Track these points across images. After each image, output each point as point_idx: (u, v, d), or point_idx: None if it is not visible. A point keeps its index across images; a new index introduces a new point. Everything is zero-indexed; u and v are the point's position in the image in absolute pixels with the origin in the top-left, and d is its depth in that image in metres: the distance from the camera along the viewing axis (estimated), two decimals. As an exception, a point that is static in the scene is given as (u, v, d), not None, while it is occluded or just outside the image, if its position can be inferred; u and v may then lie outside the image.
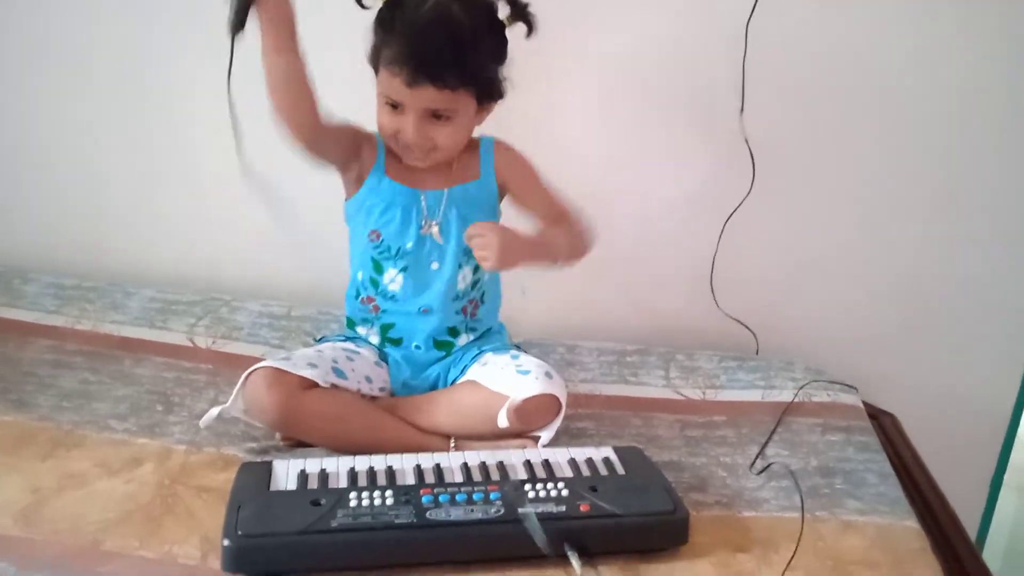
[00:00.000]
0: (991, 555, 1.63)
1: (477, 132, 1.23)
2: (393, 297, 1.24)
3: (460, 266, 1.24)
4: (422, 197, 1.21)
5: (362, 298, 1.26)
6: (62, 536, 0.96)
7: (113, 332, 1.43)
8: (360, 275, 1.26)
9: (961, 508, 1.24)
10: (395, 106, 1.13)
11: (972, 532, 1.58)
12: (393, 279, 1.23)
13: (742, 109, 1.44)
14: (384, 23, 1.12)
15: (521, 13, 1.15)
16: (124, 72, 1.58)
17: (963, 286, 1.57)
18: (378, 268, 1.24)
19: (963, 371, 1.60)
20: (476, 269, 1.26)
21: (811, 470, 1.17)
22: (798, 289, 1.58)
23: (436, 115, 1.13)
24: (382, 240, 1.22)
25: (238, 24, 1.04)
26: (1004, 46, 1.44)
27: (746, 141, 1.45)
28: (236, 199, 1.57)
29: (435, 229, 1.22)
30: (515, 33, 1.16)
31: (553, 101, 1.47)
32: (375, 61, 1.14)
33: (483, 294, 1.29)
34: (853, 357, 1.52)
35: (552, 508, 0.97)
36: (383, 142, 1.21)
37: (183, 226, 1.67)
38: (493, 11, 1.15)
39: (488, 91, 1.16)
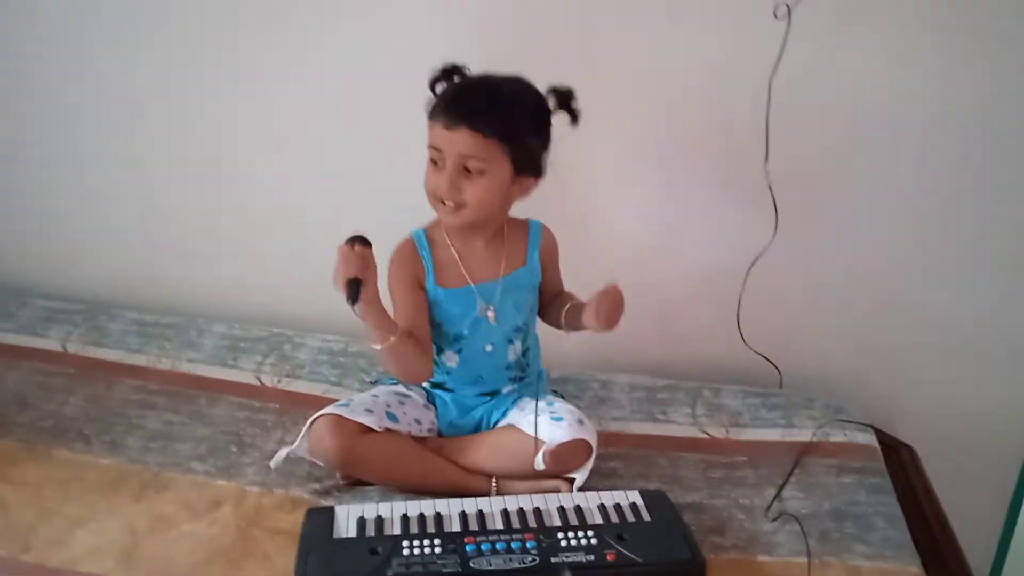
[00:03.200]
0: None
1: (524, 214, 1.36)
2: (449, 371, 1.37)
3: (511, 341, 1.36)
4: (475, 293, 1.32)
5: None
6: (158, 576, 1.11)
7: (189, 371, 1.59)
8: None
9: (977, 541, 1.33)
10: (436, 163, 1.24)
11: (986, 569, 1.67)
12: (450, 359, 1.36)
13: (766, 158, 1.52)
14: (439, 89, 1.26)
15: (565, 103, 1.27)
16: (181, 107, 1.72)
17: (982, 313, 1.63)
18: (438, 351, 1.36)
19: (981, 397, 1.67)
20: (524, 340, 1.38)
21: (823, 514, 1.27)
22: (820, 325, 1.66)
23: (468, 169, 1.23)
24: (442, 329, 1.34)
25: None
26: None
27: (770, 188, 1.53)
28: (296, 234, 1.73)
29: (491, 314, 1.33)
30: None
31: (582, 150, 1.56)
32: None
33: (530, 358, 1.41)
34: (872, 388, 1.61)
35: (582, 558, 1.09)
36: (425, 247, 1.31)
37: (243, 261, 1.81)
38: (539, 94, 1.26)
39: (525, 161, 1.26)
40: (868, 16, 1.46)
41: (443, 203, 1.26)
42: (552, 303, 1.40)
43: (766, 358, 1.62)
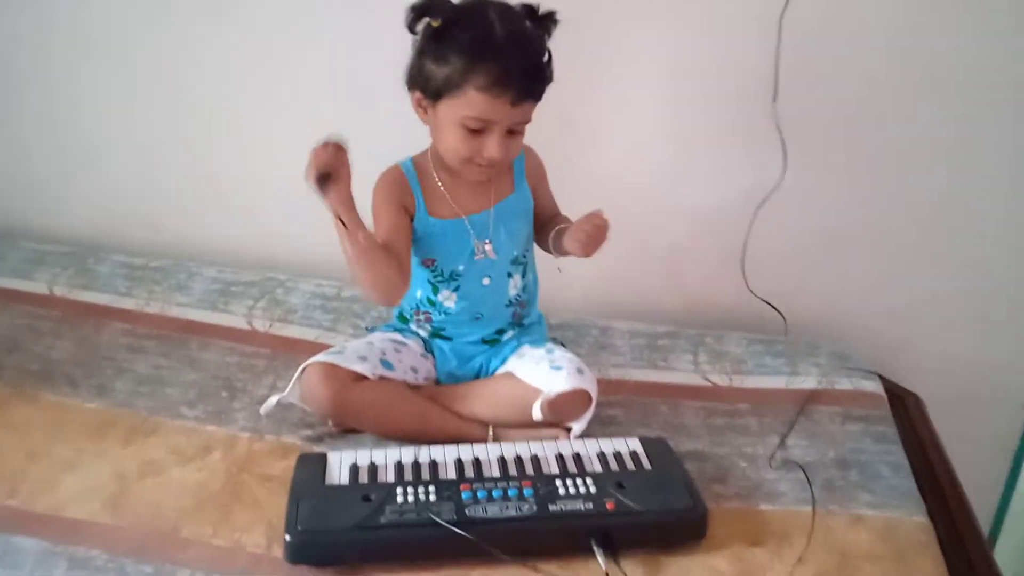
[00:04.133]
0: (1006, 545, 1.66)
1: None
2: (447, 312, 1.33)
3: (510, 275, 1.31)
4: (467, 223, 1.27)
5: (417, 311, 1.35)
6: (144, 523, 1.08)
7: (179, 315, 1.55)
8: (419, 293, 1.33)
9: (981, 492, 1.30)
10: (474, 130, 1.16)
11: (989, 518, 1.65)
12: (447, 298, 1.31)
13: (775, 98, 1.46)
14: (460, 51, 1.13)
15: (543, 22, 1.19)
16: (175, 50, 1.66)
17: (993, 262, 1.59)
18: (435, 290, 1.31)
19: (989, 348, 1.63)
20: (524, 274, 1.33)
21: (828, 462, 1.24)
22: (826, 270, 1.62)
23: (510, 130, 1.18)
24: (436, 265, 1.29)
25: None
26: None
27: (778, 128, 1.47)
28: (288, 178, 1.66)
29: (488, 247, 1.28)
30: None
31: (586, 92, 1.51)
32: (443, 89, 1.15)
33: (530, 294, 1.37)
34: (879, 336, 1.58)
35: (580, 506, 1.06)
36: (413, 176, 1.26)
37: (236, 203, 1.76)
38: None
39: None
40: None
41: (477, 164, 1.20)
42: (546, 226, 1.34)
43: (771, 304, 1.58)
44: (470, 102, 1.14)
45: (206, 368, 1.41)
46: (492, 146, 1.17)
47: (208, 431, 1.26)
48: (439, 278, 1.30)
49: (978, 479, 1.39)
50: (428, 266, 1.30)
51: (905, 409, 1.47)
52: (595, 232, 1.21)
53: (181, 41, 1.65)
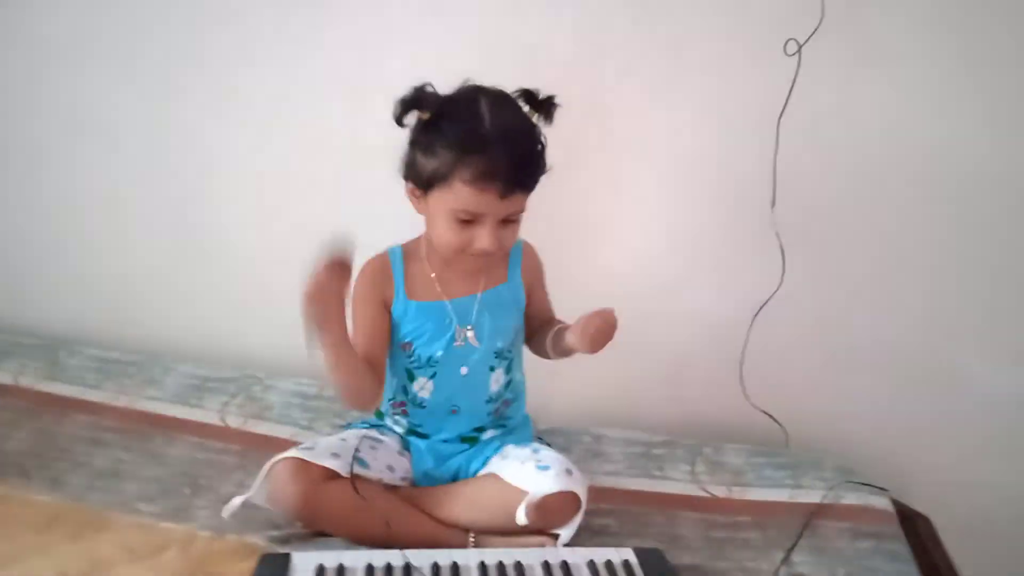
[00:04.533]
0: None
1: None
2: (422, 404, 1.26)
3: (492, 368, 1.25)
4: (449, 307, 1.23)
5: (393, 402, 1.28)
6: (83, 625, 0.98)
7: (149, 409, 1.47)
8: (395, 382, 1.27)
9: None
10: (466, 221, 1.13)
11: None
12: (423, 387, 1.25)
13: (773, 203, 1.44)
14: (447, 144, 1.10)
15: (542, 107, 1.16)
16: (154, 145, 1.65)
17: (1002, 381, 1.52)
18: (411, 377, 1.25)
19: (1001, 468, 1.55)
20: (508, 370, 1.27)
21: (837, 581, 1.14)
22: (829, 382, 1.55)
23: (504, 219, 1.14)
24: (414, 350, 1.23)
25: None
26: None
27: (777, 235, 1.45)
28: (269, 277, 1.62)
29: (470, 334, 1.23)
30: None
31: (582, 191, 1.50)
32: (433, 181, 1.13)
33: (515, 393, 1.30)
34: (885, 453, 1.48)
35: (567, 617, 0.96)
36: (399, 261, 1.22)
37: (215, 302, 1.71)
38: (529, 118, 1.16)
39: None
40: (885, 53, 1.40)
41: (470, 255, 1.16)
42: (542, 329, 1.29)
43: (771, 416, 1.51)
44: (458, 195, 1.11)
45: (170, 464, 1.32)
46: (484, 238, 1.13)
47: (164, 528, 1.17)
48: (416, 364, 1.24)
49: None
50: (406, 350, 1.24)
51: (915, 530, 1.37)
52: (606, 328, 1.15)
53: (159, 136, 1.64)
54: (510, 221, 1.15)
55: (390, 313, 1.22)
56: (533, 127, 1.15)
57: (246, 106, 1.60)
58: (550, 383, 1.43)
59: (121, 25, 1.60)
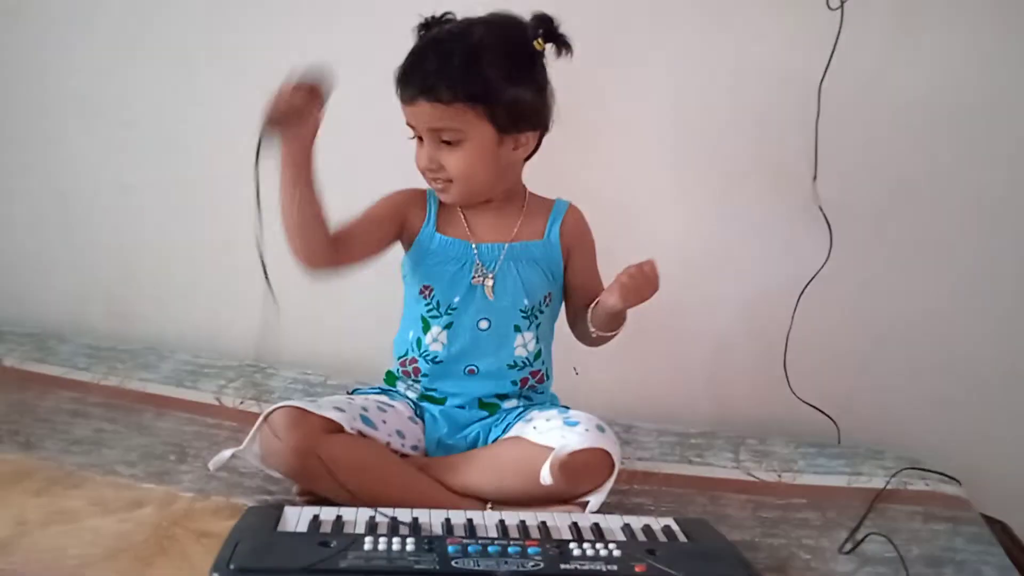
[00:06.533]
0: None
1: (554, 195, 1.18)
2: (435, 358, 1.14)
3: (519, 330, 1.14)
4: (474, 248, 1.13)
5: (403, 360, 1.17)
6: (40, 567, 0.84)
7: (139, 388, 1.35)
8: (410, 334, 1.16)
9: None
10: (420, 139, 1.08)
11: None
12: (436, 338, 1.13)
13: (815, 175, 1.35)
14: None
15: (549, 33, 1.08)
16: (162, 135, 1.57)
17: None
18: (425, 327, 1.14)
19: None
20: (538, 339, 1.15)
21: (913, 559, 0.99)
22: (883, 371, 1.42)
23: (444, 140, 1.06)
24: (432, 295, 1.13)
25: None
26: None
27: (820, 208, 1.34)
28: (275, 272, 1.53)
29: (488, 283, 1.12)
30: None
31: (620, 169, 1.41)
32: None
33: (545, 367, 1.18)
34: (951, 452, 1.32)
35: (602, 567, 0.82)
36: (434, 197, 1.15)
37: (217, 295, 1.60)
38: (517, 33, 1.07)
39: (511, 116, 1.06)
40: (935, 9, 1.32)
41: (434, 180, 1.10)
42: (586, 308, 1.14)
43: (820, 410, 1.37)
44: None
45: (157, 434, 1.20)
46: (418, 153, 1.08)
47: (143, 488, 1.04)
48: (432, 312, 1.13)
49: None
50: (425, 296, 1.13)
51: (992, 536, 1.20)
52: (641, 278, 1.03)
53: (168, 128, 1.57)
54: (449, 143, 1.05)
55: (398, 236, 1.14)
56: (483, 44, 1.04)
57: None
58: (575, 380, 1.31)
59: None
